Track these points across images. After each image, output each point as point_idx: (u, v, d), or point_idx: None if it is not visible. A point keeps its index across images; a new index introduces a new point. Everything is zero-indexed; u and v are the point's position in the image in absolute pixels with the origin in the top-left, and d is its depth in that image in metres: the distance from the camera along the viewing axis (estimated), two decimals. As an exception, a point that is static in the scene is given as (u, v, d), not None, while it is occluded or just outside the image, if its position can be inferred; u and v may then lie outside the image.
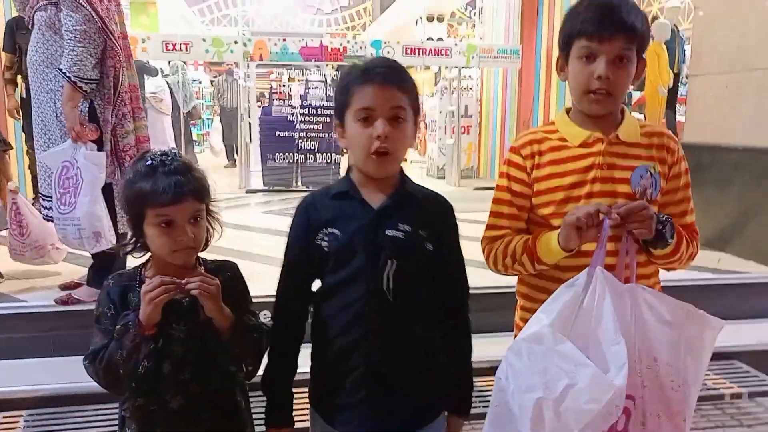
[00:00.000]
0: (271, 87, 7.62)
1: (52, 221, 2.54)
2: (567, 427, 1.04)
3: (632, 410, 1.13)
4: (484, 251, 1.40)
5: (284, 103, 7.15)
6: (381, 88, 1.15)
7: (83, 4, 2.36)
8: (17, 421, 2.26)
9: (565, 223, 1.19)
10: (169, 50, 6.41)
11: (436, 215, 1.24)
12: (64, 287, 2.83)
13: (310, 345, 1.28)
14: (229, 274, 1.28)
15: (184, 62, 8.11)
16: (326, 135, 6.81)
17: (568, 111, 1.36)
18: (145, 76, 7.31)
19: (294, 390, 1.30)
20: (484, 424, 1.15)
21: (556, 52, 1.37)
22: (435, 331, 1.26)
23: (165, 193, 1.14)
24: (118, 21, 2.56)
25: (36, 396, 2.32)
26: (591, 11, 1.23)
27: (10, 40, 4.28)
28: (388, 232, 1.17)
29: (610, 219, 1.15)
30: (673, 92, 6.63)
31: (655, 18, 7.01)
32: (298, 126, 6.81)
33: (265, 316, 1.39)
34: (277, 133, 6.76)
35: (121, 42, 2.57)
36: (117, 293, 1.21)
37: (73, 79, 2.38)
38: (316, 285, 1.28)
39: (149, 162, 1.17)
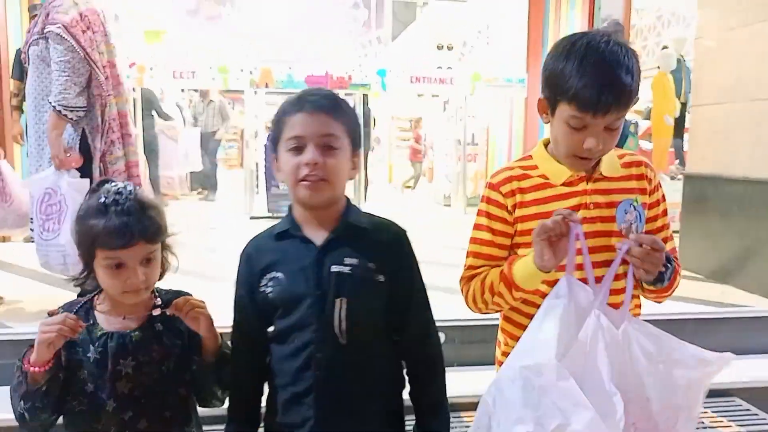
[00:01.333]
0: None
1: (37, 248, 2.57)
2: None
3: None
4: (462, 291, 1.34)
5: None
6: (311, 115, 1.12)
7: (65, 36, 2.46)
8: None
9: (534, 237, 1.14)
10: (175, 78, 6.50)
11: (386, 244, 1.18)
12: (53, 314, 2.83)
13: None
14: None
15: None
16: (356, 171, 6.82)
17: (546, 143, 1.31)
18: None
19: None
20: None
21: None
22: (395, 367, 1.21)
23: (115, 237, 1.11)
24: (105, 50, 2.65)
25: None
26: (587, 77, 1.13)
27: (19, 67, 4.40)
28: (333, 269, 1.12)
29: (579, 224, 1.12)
30: (680, 121, 6.59)
31: (665, 47, 7.01)
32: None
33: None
34: (282, 159, 6.78)
35: (109, 71, 2.66)
36: None
37: (57, 107, 2.46)
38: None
39: (102, 199, 1.14)
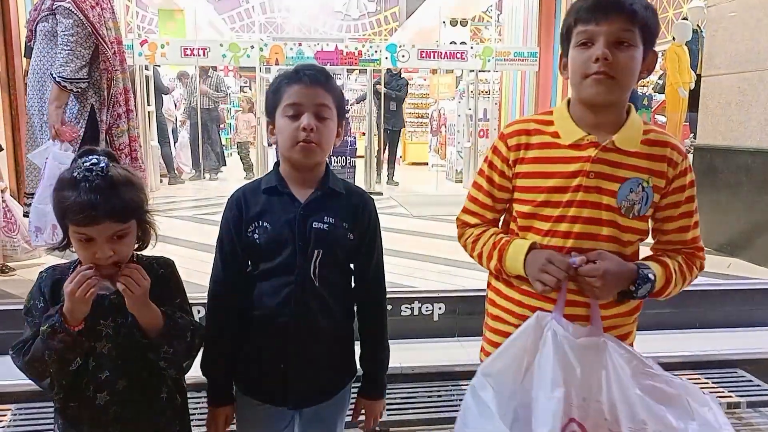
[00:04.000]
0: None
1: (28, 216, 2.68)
2: None
3: None
4: (457, 228, 1.39)
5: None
6: (308, 87, 1.27)
7: (74, 11, 2.51)
8: (5, 415, 2.32)
9: (532, 278, 1.19)
10: (187, 55, 6.54)
11: (357, 208, 1.35)
12: None
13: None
14: (162, 271, 1.28)
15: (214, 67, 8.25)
16: (340, 139, 6.82)
17: (569, 102, 1.25)
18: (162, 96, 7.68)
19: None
20: None
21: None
22: (351, 313, 1.41)
23: (81, 214, 1.11)
24: (112, 26, 2.71)
25: (24, 390, 2.38)
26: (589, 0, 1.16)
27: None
28: (315, 225, 1.29)
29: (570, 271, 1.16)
30: (696, 94, 6.46)
31: (685, 19, 6.85)
32: (313, 130, 6.83)
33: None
34: (293, 136, 6.78)
35: (116, 47, 2.72)
36: (48, 286, 1.21)
37: (57, 79, 2.51)
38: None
39: (75, 173, 1.14)
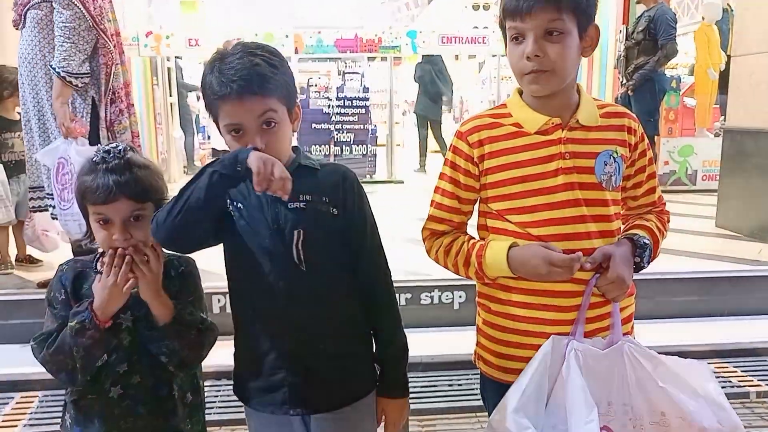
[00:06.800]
0: (309, 80, 7.66)
1: (57, 219, 2.61)
2: None
3: None
4: (424, 242, 1.32)
5: (320, 95, 7.17)
6: (241, 101, 1.09)
7: (75, 1, 2.41)
8: (32, 402, 2.38)
9: (537, 272, 1.13)
10: (192, 46, 6.51)
11: (336, 182, 1.21)
12: (43, 285, 2.90)
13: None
14: (182, 269, 1.28)
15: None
16: (362, 127, 6.80)
17: (521, 92, 1.24)
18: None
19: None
20: None
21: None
22: (354, 307, 1.25)
23: (97, 192, 1.15)
24: (112, 18, 2.61)
25: (50, 378, 2.41)
26: None
27: None
28: (290, 205, 1.16)
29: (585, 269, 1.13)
30: (726, 75, 6.27)
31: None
32: (333, 118, 6.82)
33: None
34: (313, 125, 6.77)
35: (116, 39, 2.62)
36: (69, 279, 1.22)
37: (62, 74, 2.43)
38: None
39: (94, 158, 1.19)
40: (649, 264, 1.22)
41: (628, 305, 1.26)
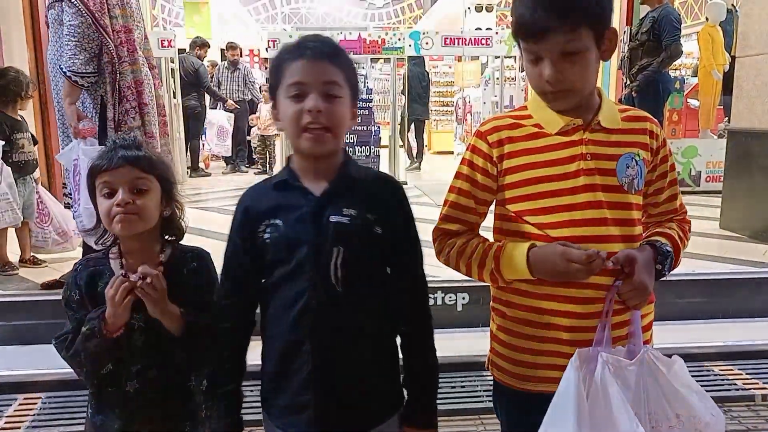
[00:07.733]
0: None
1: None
2: None
3: None
4: (434, 243, 1.29)
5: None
6: (312, 62, 1.09)
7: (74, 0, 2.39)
8: (35, 403, 2.37)
9: (555, 270, 1.10)
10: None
11: (384, 197, 1.16)
12: (46, 286, 2.91)
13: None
14: (194, 265, 1.28)
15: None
16: (365, 128, 6.80)
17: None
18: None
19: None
20: None
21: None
22: (388, 329, 1.19)
23: (104, 160, 1.20)
24: (119, 14, 2.54)
25: (54, 379, 2.43)
26: (524, 2, 1.09)
27: None
28: (332, 219, 1.10)
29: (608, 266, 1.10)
30: (731, 76, 6.26)
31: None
32: (336, 120, 6.81)
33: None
34: (317, 127, 6.77)
35: (123, 36, 2.55)
36: (84, 278, 1.23)
37: (68, 73, 2.42)
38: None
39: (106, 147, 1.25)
40: (669, 273, 1.19)
41: (647, 312, 1.23)
